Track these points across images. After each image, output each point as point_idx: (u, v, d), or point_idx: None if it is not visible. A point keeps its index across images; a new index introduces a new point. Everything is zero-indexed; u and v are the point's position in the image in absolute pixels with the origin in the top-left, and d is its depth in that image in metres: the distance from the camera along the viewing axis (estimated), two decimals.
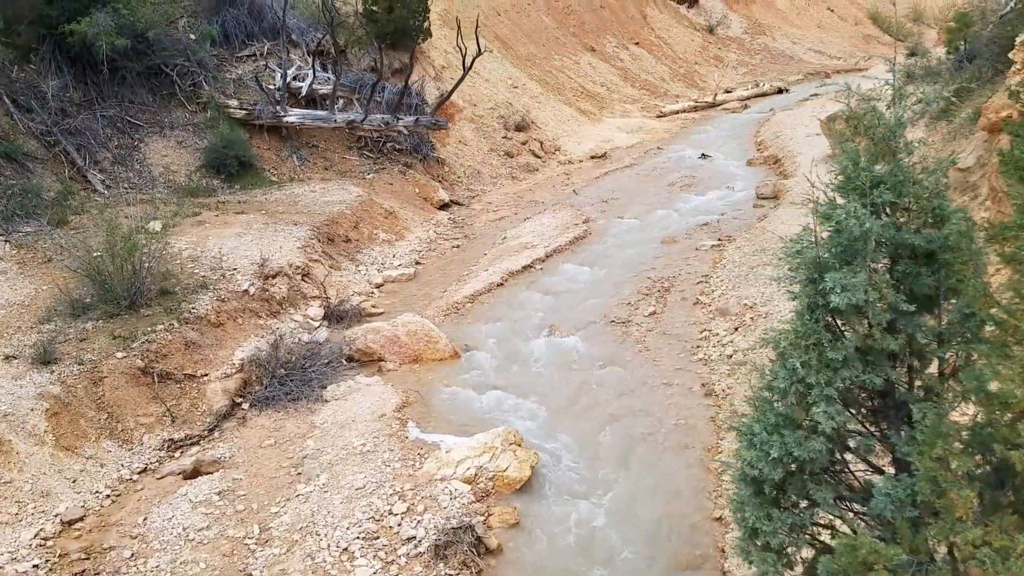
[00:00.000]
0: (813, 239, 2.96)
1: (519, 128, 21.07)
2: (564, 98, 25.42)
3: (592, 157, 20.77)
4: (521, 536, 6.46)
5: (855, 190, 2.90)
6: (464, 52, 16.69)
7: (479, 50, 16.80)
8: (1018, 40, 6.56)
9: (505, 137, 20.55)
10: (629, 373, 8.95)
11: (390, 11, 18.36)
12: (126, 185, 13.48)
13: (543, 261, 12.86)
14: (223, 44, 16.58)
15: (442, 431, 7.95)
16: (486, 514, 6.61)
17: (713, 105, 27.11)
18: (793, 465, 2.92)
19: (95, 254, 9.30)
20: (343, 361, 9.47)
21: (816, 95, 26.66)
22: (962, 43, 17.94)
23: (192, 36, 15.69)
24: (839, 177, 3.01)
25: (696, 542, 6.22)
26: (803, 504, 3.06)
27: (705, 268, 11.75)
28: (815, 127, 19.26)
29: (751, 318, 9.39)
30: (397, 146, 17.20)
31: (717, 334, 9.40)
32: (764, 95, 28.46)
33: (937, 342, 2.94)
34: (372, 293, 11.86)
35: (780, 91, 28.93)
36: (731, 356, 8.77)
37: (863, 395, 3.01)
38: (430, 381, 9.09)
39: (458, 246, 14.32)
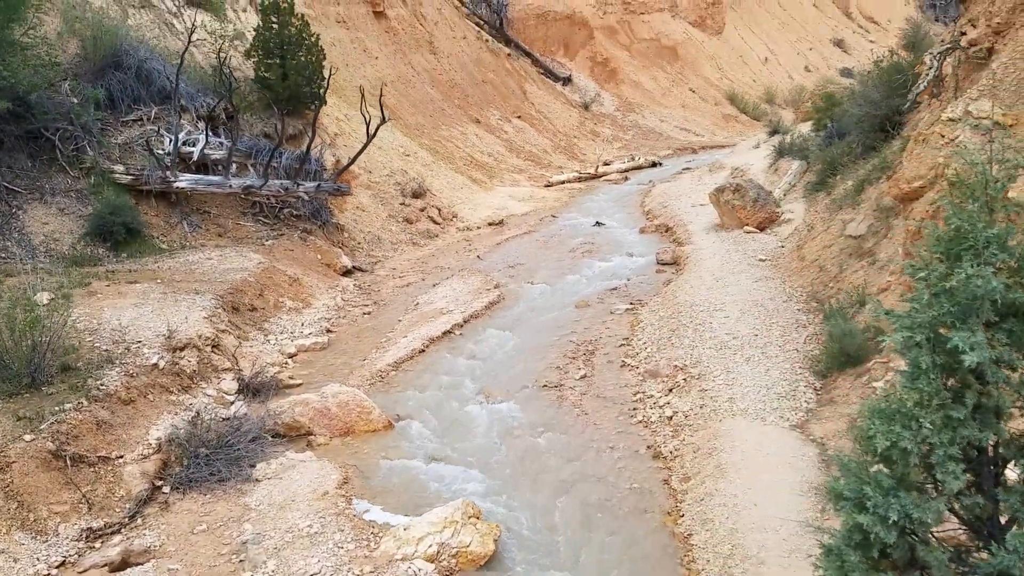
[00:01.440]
0: (926, 300, 3.00)
1: (416, 195, 21.05)
2: (455, 166, 25.70)
3: (489, 224, 20.97)
4: None
5: (969, 249, 2.98)
6: (368, 119, 16.60)
7: (383, 118, 16.77)
8: (913, 135, 7.12)
9: (403, 204, 20.46)
10: (572, 438, 8.88)
11: (284, 78, 18.13)
12: (3, 254, 12.39)
13: (462, 326, 12.72)
14: (108, 108, 15.71)
15: (392, 507, 7.57)
16: None
17: (595, 176, 28.12)
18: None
19: None
20: (268, 437, 8.89)
21: (688, 169, 28.20)
22: (829, 121, 19.55)
23: (75, 99, 14.81)
24: (943, 238, 3.10)
25: None
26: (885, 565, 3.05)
27: (624, 331, 11.96)
28: (698, 198, 20.32)
29: (684, 379, 9.57)
30: (295, 212, 16.74)
31: (652, 396, 9.52)
32: (640, 168, 29.81)
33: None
34: (286, 364, 11.30)
35: (654, 164, 30.40)
36: (671, 417, 8.88)
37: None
38: (367, 454, 8.68)
39: (369, 313, 13.96)
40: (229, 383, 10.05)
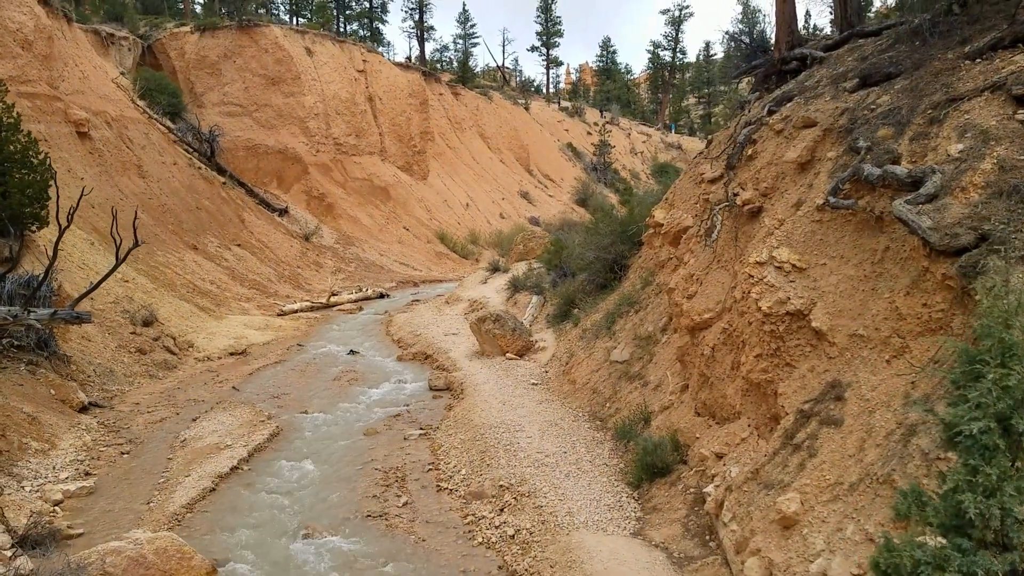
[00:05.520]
0: (996, 396, 3.65)
1: (146, 323, 19.31)
2: (178, 294, 24.03)
3: (232, 354, 19.81)
4: None
5: (1013, 357, 3.73)
6: (119, 242, 15.22)
7: (136, 241, 15.48)
8: (682, 275, 8.60)
9: (133, 333, 18.61)
10: (419, 565, 8.65)
11: (4, 196, 16.13)
12: None
13: (247, 461, 11.84)
14: None
15: None
16: None
17: (328, 306, 27.97)
18: None
19: None
20: None
21: (417, 300, 29.24)
22: (559, 263, 21.77)
23: None
24: (975, 351, 3.81)
25: None
26: None
27: (426, 456, 11.99)
28: (447, 328, 21.23)
29: (514, 498, 9.85)
30: (17, 342, 14.50)
31: (484, 517, 9.63)
32: (369, 298, 30.25)
33: None
34: (54, 512, 9.62)
35: (382, 295, 31.04)
36: (513, 536, 9.06)
37: None
38: None
39: (127, 453, 12.39)
40: (1, 536, 8.31)
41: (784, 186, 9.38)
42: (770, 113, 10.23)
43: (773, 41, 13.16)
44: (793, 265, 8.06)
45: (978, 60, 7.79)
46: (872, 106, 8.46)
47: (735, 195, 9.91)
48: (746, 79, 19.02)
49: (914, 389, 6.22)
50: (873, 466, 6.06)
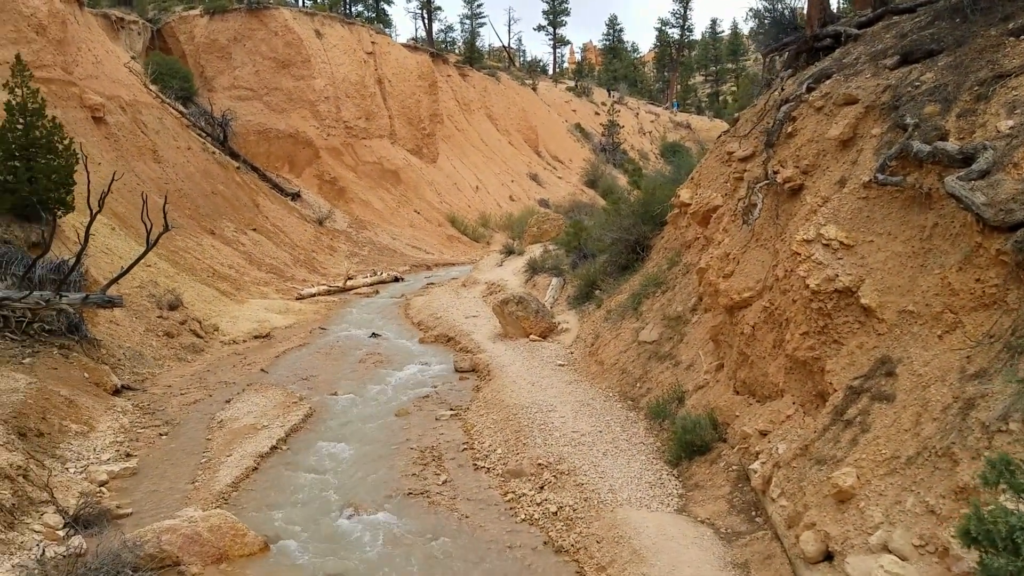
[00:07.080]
0: None
1: (172, 307, 19.45)
2: (199, 278, 24.17)
3: (256, 337, 19.96)
4: None
5: None
6: (149, 227, 15.33)
7: (166, 226, 15.58)
8: (716, 254, 8.65)
9: (160, 317, 18.77)
10: (465, 541, 8.79)
11: (31, 182, 16.19)
12: None
13: (285, 441, 12.00)
14: None
15: None
16: None
17: (345, 290, 28.10)
18: None
19: None
20: (129, 572, 7.63)
21: (432, 284, 29.33)
22: (579, 244, 21.78)
23: None
24: None
25: None
26: None
27: (459, 436, 12.12)
28: (467, 310, 21.34)
29: (553, 476, 9.96)
30: (48, 327, 14.63)
31: (525, 494, 9.75)
32: (384, 282, 30.39)
33: None
34: (100, 492, 9.79)
35: (396, 279, 31.16)
36: (556, 512, 9.18)
37: None
38: None
39: (165, 434, 12.56)
40: (53, 517, 8.48)
41: (826, 163, 9.41)
42: (808, 90, 10.24)
43: (804, 18, 13.15)
44: (841, 242, 8.11)
45: (1023, 37, 7.81)
46: (916, 83, 8.48)
47: (775, 173, 9.94)
48: (760, 57, 18.98)
49: (970, 364, 6.30)
50: (931, 440, 6.14)
